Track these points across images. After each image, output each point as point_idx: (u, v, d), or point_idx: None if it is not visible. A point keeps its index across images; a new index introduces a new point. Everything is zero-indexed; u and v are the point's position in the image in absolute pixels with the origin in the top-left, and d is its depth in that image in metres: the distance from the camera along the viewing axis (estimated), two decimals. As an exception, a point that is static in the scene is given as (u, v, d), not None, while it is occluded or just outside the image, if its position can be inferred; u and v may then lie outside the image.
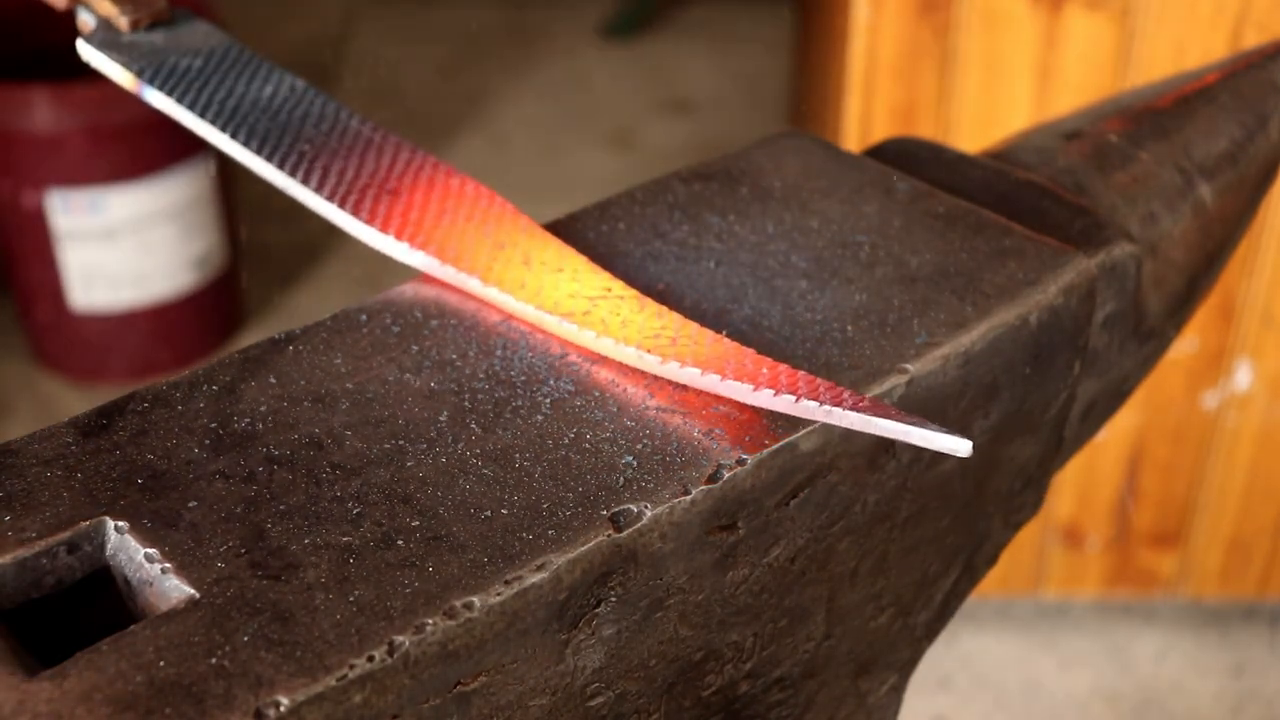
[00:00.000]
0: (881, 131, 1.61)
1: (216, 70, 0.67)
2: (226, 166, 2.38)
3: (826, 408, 0.53)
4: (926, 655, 0.74)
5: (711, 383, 0.55)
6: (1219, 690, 1.91)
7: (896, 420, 0.52)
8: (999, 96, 1.61)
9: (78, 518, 0.49)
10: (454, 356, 0.59)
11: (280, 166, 0.63)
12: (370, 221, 0.61)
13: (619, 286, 0.61)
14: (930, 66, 1.60)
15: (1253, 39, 1.55)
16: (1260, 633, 2.00)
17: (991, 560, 0.74)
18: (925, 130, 1.62)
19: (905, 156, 0.78)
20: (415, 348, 0.59)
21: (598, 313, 0.59)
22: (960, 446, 0.51)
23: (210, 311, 2.44)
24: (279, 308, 2.62)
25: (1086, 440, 0.81)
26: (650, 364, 0.57)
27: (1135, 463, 1.84)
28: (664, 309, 0.60)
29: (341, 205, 0.62)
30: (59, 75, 2.11)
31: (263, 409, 0.55)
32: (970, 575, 0.73)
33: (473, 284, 0.60)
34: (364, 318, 0.61)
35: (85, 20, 0.70)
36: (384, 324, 0.60)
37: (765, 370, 0.56)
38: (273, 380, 0.57)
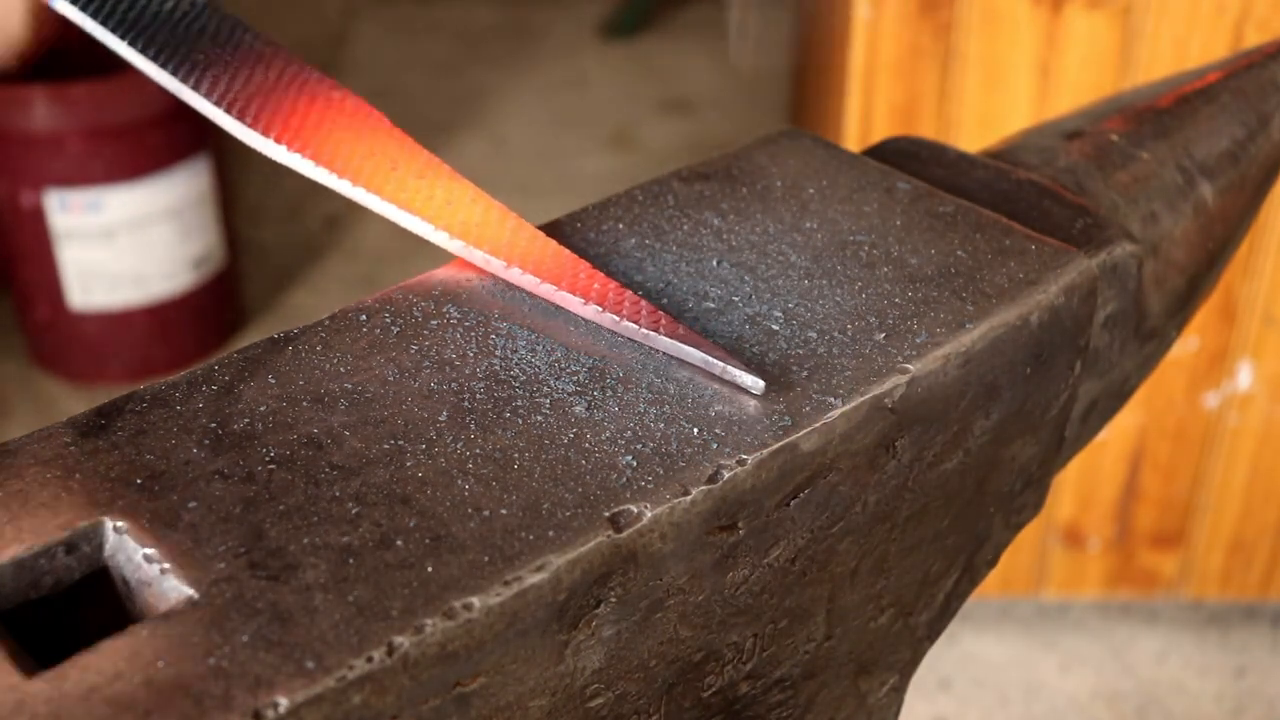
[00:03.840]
0: (881, 131, 1.61)
1: None
2: (225, 166, 2.37)
3: (644, 330, 0.59)
4: (927, 656, 0.74)
5: (548, 291, 0.61)
6: (1220, 691, 1.91)
7: (703, 351, 0.58)
8: (999, 96, 1.61)
9: (76, 518, 0.49)
10: (454, 356, 0.58)
11: (174, 74, 0.68)
12: (253, 125, 0.66)
13: (478, 195, 0.65)
14: (930, 66, 1.59)
15: (1254, 38, 1.55)
16: (1262, 634, 2.00)
17: (992, 561, 0.74)
18: (925, 130, 1.62)
19: (905, 156, 0.78)
20: (414, 347, 0.59)
21: (455, 217, 0.63)
22: (755, 385, 0.56)
23: (209, 311, 2.44)
24: (278, 307, 2.62)
25: (1088, 441, 0.81)
26: (496, 267, 0.62)
27: (1136, 463, 1.84)
28: (524, 221, 0.64)
29: (228, 111, 0.66)
30: (57, 75, 2.11)
31: (262, 409, 0.55)
32: (971, 576, 0.73)
33: (343, 185, 0.64)
34: (363, 317, 0.60)
35: None
36: (383, 323, 0.60)
37: (597, 286, 0.61)
38: (272, 380, 0.56)
